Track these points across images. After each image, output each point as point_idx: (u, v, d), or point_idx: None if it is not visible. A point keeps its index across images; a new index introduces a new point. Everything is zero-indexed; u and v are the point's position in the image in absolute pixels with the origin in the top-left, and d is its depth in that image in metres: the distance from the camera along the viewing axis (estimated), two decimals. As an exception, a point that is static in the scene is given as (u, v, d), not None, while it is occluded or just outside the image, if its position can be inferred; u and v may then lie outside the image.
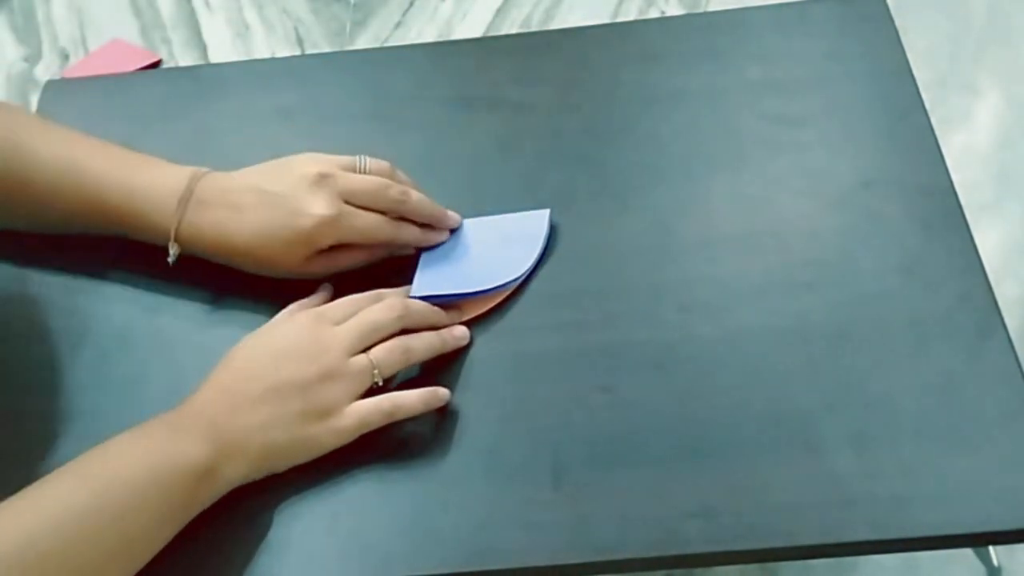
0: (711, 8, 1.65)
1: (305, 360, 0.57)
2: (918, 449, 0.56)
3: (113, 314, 0.67)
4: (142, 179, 0.64)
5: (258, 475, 0.57)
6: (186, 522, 0.54)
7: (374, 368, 0.58)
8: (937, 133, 0.69)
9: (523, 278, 0.65)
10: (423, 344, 0.61)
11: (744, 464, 0.56)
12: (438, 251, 0.66)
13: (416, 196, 0.65)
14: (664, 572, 1.03)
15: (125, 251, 0.67)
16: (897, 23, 0.75)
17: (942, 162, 0.67)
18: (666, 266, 0.65)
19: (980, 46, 1.54)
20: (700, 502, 0.55)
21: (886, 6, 0.76)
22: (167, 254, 0.63)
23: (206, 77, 0.82)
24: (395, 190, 0.64)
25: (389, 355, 0.59)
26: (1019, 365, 0.58)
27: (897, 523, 0.54)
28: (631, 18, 1.63)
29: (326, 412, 0.57)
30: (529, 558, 0.55)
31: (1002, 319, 0.60)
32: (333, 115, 0.76)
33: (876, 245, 0.64)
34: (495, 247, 0.66)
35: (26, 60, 1.71)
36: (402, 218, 0.65)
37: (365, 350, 0.59)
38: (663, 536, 0.55)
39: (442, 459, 0.59)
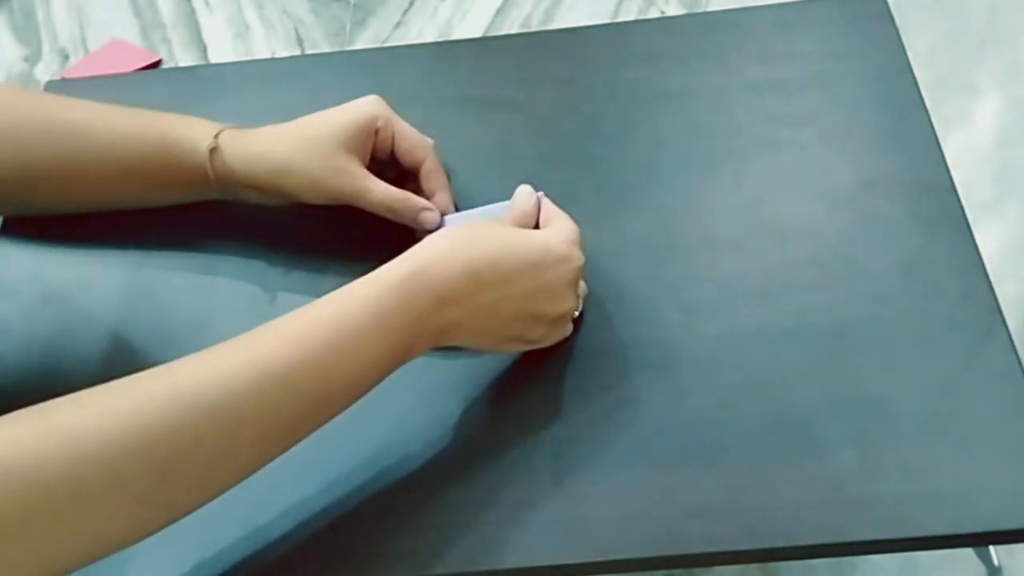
0: (711, 8, 1.65)
1: (553, 303, 0.58)
2: (918, 449, 0.56)
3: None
4: (183, 116, 0.66)
5: (440, 344, 0.56)
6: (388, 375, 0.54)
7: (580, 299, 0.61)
8: (937, 133, 0.69)
9: None
10: None
11: (744, 464, 0.56)
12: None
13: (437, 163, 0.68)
14: (664, 572, 1.04)
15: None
16: (897, 23, 0.75)
17: (943, 161, 0.67)
18: (666, 266, 0.65)
19: (980, 46, 1.54)
20: (700, 502, 0.55)
21: (886, 6, 0.76)
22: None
23: (206, 77, 0.82)
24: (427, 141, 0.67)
25: (584, 296, 0.63)
26: (1020, 365, 0.58)
27: (897, 523, 0.54)
28: (631, 18, 1.63)
29: (528, 343, 0.59)
30: (529, 558, 0.55)
31: (1003, 319, 0.60)
32: (333, 115, 0.76)
33: (877, 245, 0.64)
34: None
35: (26, 60, 1.71)
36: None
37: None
38: (663, 536, 0.55)
39: (442, 459, 0.59)
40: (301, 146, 0.63)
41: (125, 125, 0.65)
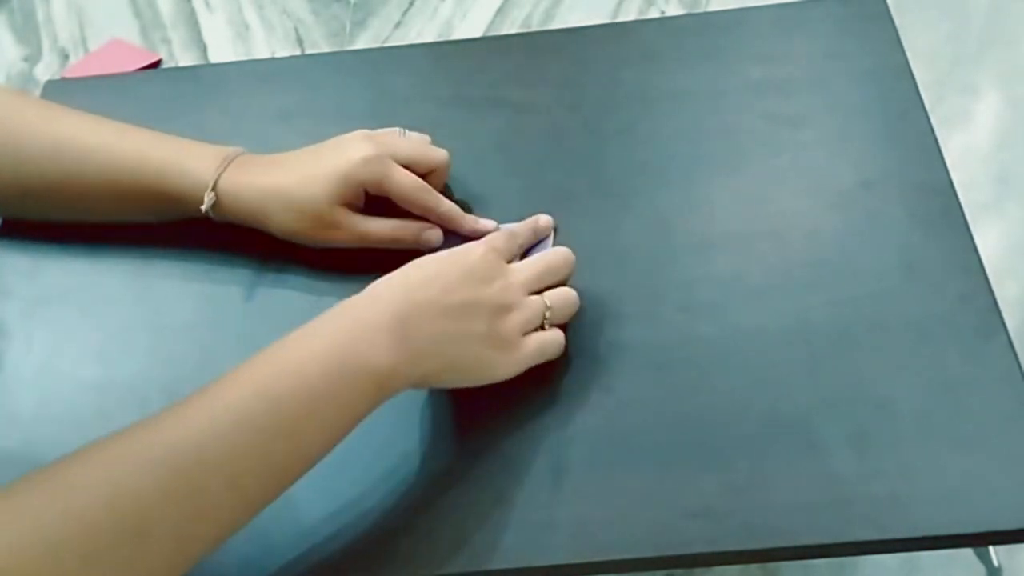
0: (711, 8, 1.65)
1: (494, 285, 0.57)
2: (918, 449, 0.56)
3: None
4: (186, 145, 0.66)
5: (425, 386, 0.57)
6: (357, 425, 0.53)
7: (547, 310, 0.59)
8: (937, 133, 0.69)
9: None
10: (576, 299, 0.61)
11: (744, 464, 0.56)
12: None
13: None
14: (664, 572, 1.04)
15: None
16: (897, 23, 0.75)
17: (942, 162, 0.67)
18: (666, 266, 0.65)
19: (980, 46, 1.54)
20: (700, 502, 0.55)
21: (886, 6, 0.76)
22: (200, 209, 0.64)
23: (206, 77, 0.82)
24: (439, 152, 0.67)
25: (564, 303, 0.60)
26: (1019, 365, 0.58)
27: (897, 523, 0.54)
28: (631, 18, 1.63)
29: (506, 340, 0.57)
30: (529, 558, 0.55)
31: (1002, 319, 0.60)
32: (333, 115, 0.76)
33: (876, 245, 0.64)
34: None
35: (26, 60, 1.71)
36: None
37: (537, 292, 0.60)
38: (663, 536, 0.55)
39: (442, 459, 0.59)
40: (292, 209, 0.63)
41: (125, 153, 0.65)
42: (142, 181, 0.65)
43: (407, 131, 0.69)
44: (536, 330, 0.59)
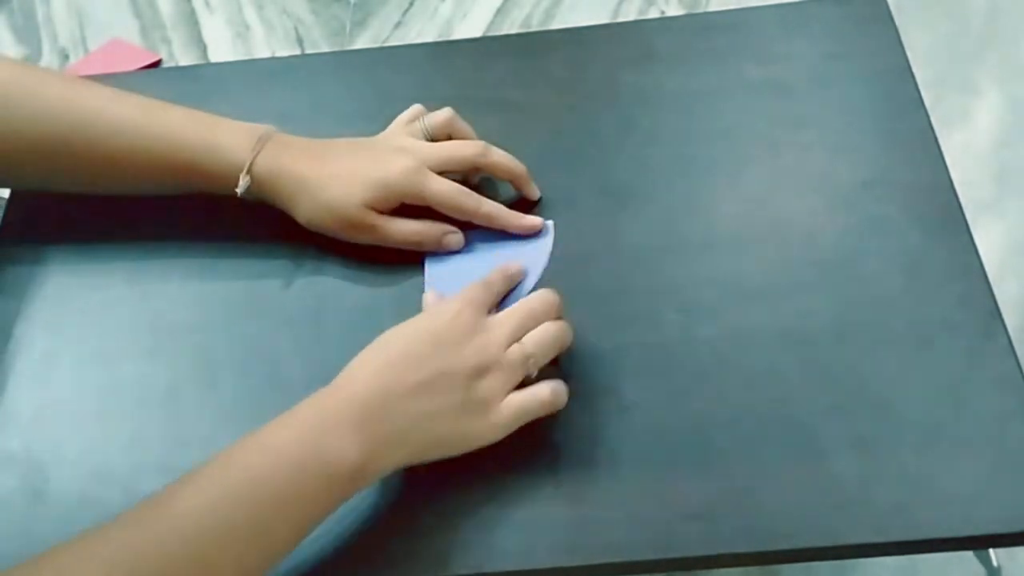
0: (711, 8, 1.65)
1: (469, 347, 0.55)
2: (918, 451, 0.56)
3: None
4: (219, 122, 0.65)
5: (409, 464, 0.54)
6: (328, 517, 0.53)
7: (529, 359, 0.56)
8: (937, 133, 0.69)
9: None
10: (569, 332, 0.59)
11: (745, 466, 0.56)
12: (448, 265, 0.66)
13: (496, 151, 0.66)
14: (665, 574, 1.03)
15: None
16: (897, 23, 0.75)
17: (942, 162, 0.67)
18: (666, 266, 0.65)
19: (980, 46, 1.54)
20: (701, 504, 0.55)
21: (886, 6, 0.76)
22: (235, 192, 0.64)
23: (206, 77, 0.82)
24: (470, 148, 0.66)
25: (544, 345, 0.57)
26: (1019, 367, 0.58)
27: (897, 525, 0.54)
28: (631, 18, 1.63)
29: (485, 405, 0.55)
30: (529, 558, 0.55)
31: (1002, 319, 0.60)
32: (333, 115, 0.76)
33: (876, 245, 0.64)
34: (505, 258, 0.65)
35: (26, 60, 1.71)
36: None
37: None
38: (663, 538, 0.55)
39: (442, 461, 0.58)
40: (323, 205, 0.64)
41: (154, 129, 0.64)
42: (175, 158, 0.64)
43: (427, 113, 0.69)
44: (525, 382, 0.57)
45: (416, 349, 0.54)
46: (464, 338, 0.55)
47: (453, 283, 0.63)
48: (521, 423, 0.56)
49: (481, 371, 0.55)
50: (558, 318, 0.59)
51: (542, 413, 0.57)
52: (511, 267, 0.61)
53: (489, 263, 0.62)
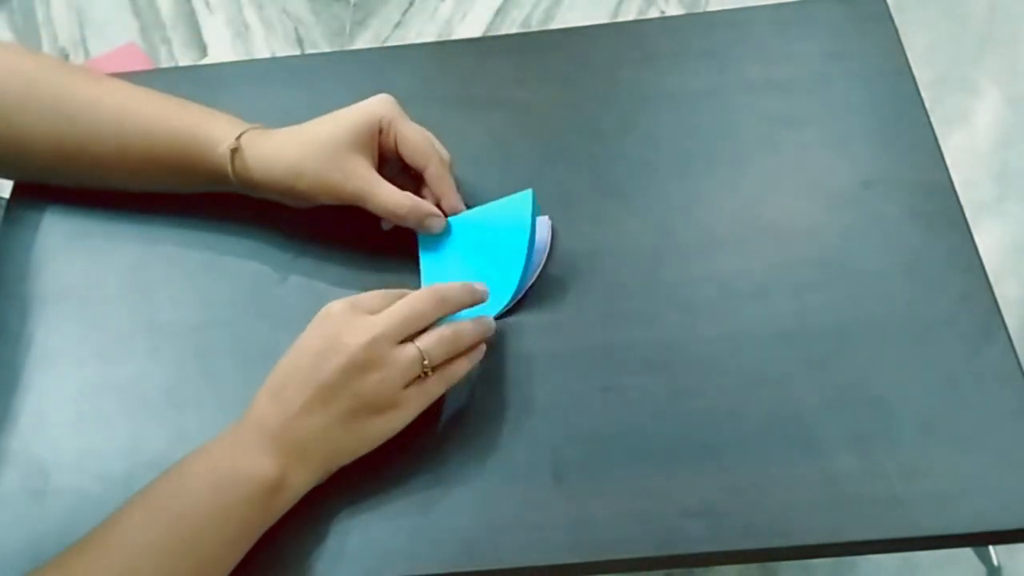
0: (711, 8, 1.65)
1: (344, 353, 0.55)
2: (917, 449, 0.56)
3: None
4: (204, 110, 0.67)
5: (326, 476, 0.57)
6: (260, 535, 0.55)
7: (424, 358, 0.56)
8: (937, 132, 0.69)
9: (529, 282, 0.64)
10: (470, 330, 0.59)
11: (744, 464, 0.57)
12: (438, 256, 0.66)
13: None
14: (664, 572, 1.04)
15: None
16: (897, 23, 0.75)
17: (942, 161, 0.67)
18: (666, 266, 0.65)
19: (980, 46, 1.54)
20: (700, 502, 0.55)
21: (886, 6, 0.76)
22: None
23: (206, 77, 0.82)
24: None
25: (439, 343, 0.57)
26: (1019, 365, 0.58)
27: (897, 523, 0.54)
28: (631, 18, 1.63)
29: (378, 404, 0.56)
30: (529, 558, 0.55)
31: (1002, 319, 0.60)
32: (333, 115, 0.76)
33: (876, 244, 0.64)
34: (488, 243, 0.65)
35: (26, 60, 1.70)
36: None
37: (410, 339, 0.57)
38: (663, 536, 0.55)
39: (442, 459, 0.59)
40: (311, 148, 0.64)
41: (154, 113, 0.66)
42: (170, 141, 0.65)
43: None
44: (422, 376, 0.57)
45: (298, 368, 0.56)
46: (340, 343, 0.56)
47: (448, 276, 0.63)
48: (421, 410, 0.58)
49: (365, 369, 0.55)
50: (481, 326, 0.60)
51: (442, 392, 0.58)
52: (462, 288, 0.61)
53: (484, 257, 0.63)
